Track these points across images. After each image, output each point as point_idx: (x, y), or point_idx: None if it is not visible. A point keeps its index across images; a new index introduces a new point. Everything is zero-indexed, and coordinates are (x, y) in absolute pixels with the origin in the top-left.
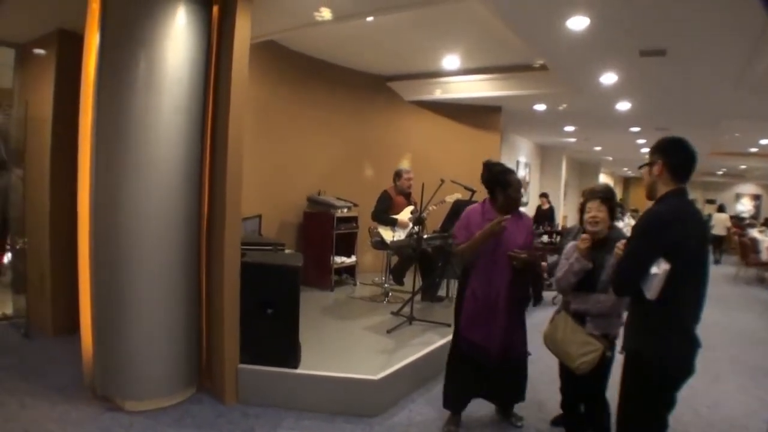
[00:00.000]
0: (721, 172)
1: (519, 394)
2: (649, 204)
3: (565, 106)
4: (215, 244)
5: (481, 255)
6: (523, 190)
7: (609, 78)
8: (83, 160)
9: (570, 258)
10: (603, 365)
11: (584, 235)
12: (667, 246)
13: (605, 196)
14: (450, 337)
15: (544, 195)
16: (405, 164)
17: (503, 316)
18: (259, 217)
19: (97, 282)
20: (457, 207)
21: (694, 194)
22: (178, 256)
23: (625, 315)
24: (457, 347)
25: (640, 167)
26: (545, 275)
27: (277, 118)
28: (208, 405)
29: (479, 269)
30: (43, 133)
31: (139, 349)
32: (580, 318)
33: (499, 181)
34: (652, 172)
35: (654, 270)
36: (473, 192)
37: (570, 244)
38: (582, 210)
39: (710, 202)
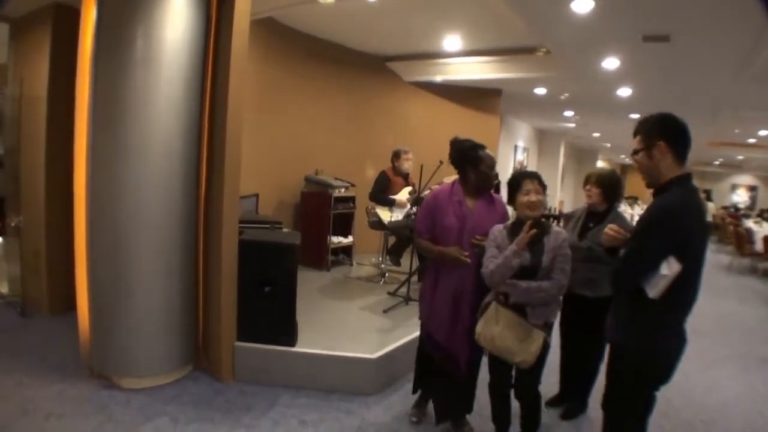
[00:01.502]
0: (717, 163)
1: (469, 404)
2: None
3: (567, 95)
4: (213, 222)
5: (446, 241)
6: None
7: (611, 63)
8: (80, 137)
9: (500, 245)
10: (543, 355)
11: (527, 228)
12: (678, 243)
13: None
14: None
15: None
16: (404, 145)
17: (468, 313)
18: (257, 196)
19: (93, 260)
20: None
21: None
22: (176, 233)
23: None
24: (423, 344)
25: (635, 153)
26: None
27: (275, 97)
28: (205, 383)
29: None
30: (38, 109)
31: (136, 326)
32: (519, 309)
33: (469, 158)
34: (653, 156)
35: (665, 271)
36: None
37: (496, 228)
38: (513, 189)
39: (706, 192)
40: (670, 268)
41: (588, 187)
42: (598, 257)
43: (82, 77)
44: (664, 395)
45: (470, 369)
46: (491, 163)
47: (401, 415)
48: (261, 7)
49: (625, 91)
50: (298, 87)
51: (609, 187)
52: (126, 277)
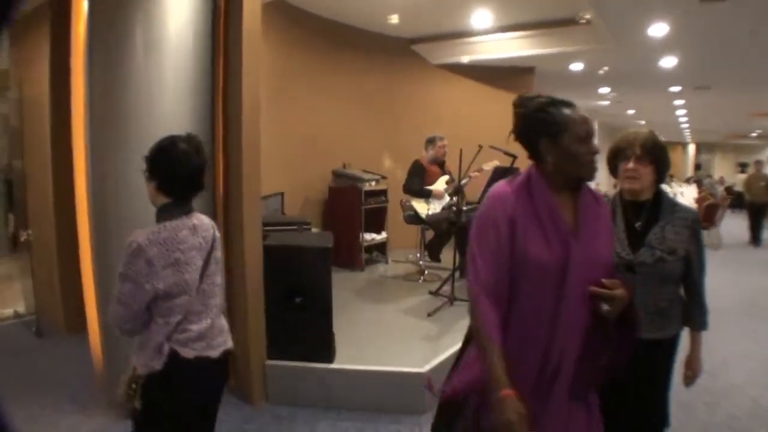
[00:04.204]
0: (755, 134)
1: None
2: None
3: (606, 69)
4: (233, 226)
5: (535, 295)
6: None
7: (659, 29)
8: (77, 139)
9: None
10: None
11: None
12: None
13: None
14: None
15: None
16: (434, 131)
17: (564, 400)
18: (282, 194)
19: (100, 275)
20: (496, 175)
21: (727, 158)
22: None
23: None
24: None
25: None
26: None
27: (295, 89)
28: (234, 407)
29: (526, 313)
30: (41, 113)
31: None
32: None
33: (544, 124)
34: None
35: None
36: (514, 157)
37: None
38: None
39: (742, 165)
40: None
41: (630, 164)
42: (670, 275)
43: (77, 75)
44: None
45: None
46: (584, 132)
47: None
48: None
49: (669, 61)
50: (318, 77)
51: (661, 160)
52: None
